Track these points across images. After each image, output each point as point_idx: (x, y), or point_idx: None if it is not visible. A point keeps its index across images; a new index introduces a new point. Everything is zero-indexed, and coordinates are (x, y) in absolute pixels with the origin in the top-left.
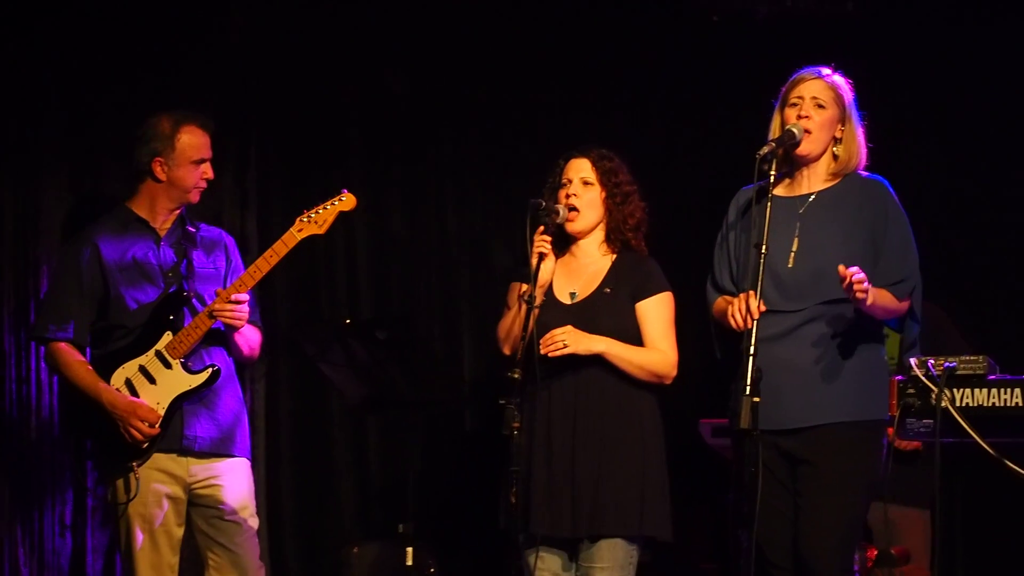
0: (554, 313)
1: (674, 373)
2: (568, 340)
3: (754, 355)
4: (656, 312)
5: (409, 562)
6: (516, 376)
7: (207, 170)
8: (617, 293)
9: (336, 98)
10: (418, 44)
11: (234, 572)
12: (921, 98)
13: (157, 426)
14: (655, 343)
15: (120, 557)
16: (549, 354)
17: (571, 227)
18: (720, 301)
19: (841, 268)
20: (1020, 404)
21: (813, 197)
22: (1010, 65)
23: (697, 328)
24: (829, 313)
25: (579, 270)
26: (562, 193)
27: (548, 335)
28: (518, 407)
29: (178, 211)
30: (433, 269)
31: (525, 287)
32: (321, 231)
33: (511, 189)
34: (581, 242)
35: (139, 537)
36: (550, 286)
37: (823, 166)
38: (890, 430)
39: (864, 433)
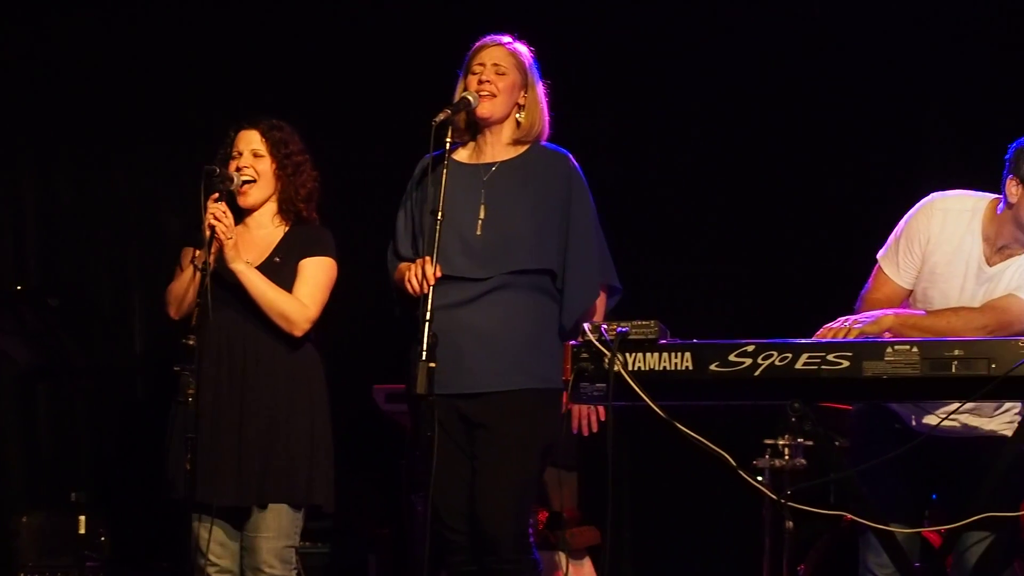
0: (226, 285)
1: (305, 327)
2: (227, 245)
3: (430, 321)
4: (311, 271)
5: (81, 531)
6: (191, 343)
7: None
8: (286, 262)
9: (2, 64)
10: (84, 7)
11: None
12: (591, 67)
13: None
14: (299, 296)
15: None
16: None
17: (243, 201)
18: (400, 268)
19: None
20: (689, 368)
21: (496, 166)
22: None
23: (372, 295)
24: (516, 282)
25: (252, 241)
26: (232, 165)
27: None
28: (193, 374)
29: None
30: (103, 235)
31: (199, 252)
32: None
33: (183, 156)
34: (255, 214)
35: None
36: (223, 256)
37: (506, 133)
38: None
39: (542, 399)
